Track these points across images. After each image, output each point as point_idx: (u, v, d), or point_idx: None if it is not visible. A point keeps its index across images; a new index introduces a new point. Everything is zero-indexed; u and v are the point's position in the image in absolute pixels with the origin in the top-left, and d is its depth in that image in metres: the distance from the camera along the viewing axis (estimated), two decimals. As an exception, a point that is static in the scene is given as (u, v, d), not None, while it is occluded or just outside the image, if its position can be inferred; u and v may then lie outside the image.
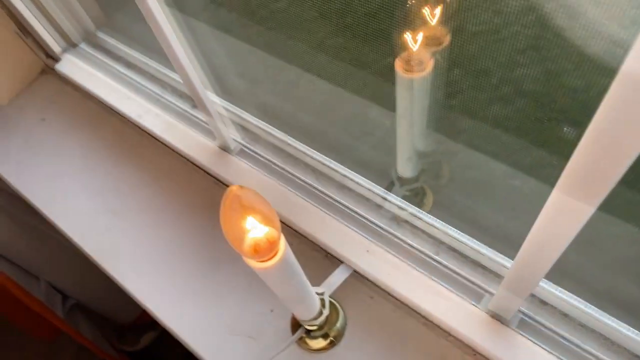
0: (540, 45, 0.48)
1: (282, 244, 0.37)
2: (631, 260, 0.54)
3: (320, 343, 0.55)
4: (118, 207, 0.71)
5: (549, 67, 0.49)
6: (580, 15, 0.39)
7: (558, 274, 0.52)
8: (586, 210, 0.32)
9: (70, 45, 0.85)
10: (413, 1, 0.42)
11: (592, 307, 0.49)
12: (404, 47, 0.44)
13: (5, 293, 0.92)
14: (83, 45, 0.85)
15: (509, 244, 0.54)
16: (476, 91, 0.53)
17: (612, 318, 0.48)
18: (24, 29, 0.81)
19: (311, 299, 0.48)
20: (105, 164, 0.76)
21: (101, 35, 0.86)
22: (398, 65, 0.45)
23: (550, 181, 0.32)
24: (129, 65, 0.81)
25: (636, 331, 0.47)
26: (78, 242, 0.70)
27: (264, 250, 0.36)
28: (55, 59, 0.85)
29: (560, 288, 0.51)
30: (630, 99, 0.24)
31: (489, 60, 0.49)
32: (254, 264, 0.37)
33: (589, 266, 0.54)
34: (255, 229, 0.36)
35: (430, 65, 0.45)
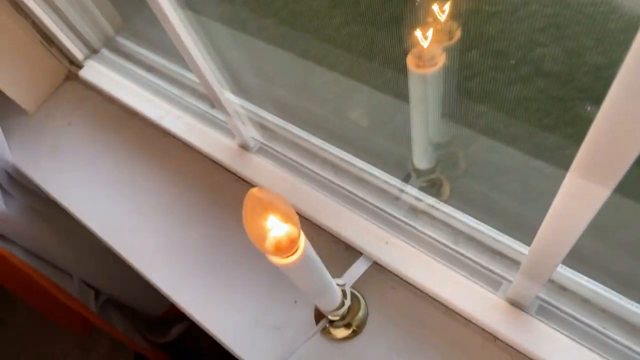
0: (560, 22, 0.48)
1: (302, 240, 0.39)
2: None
3: (343, 332, 0.56)
4: (144, 207, 0.74)
5: (569, 45, 0.49)
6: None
7: (577, 260, 0.52)
8: (602, 193, 0.31)
9: (92, 51, 0.88)
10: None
11: (613, 292, 0.50)
12: (415, 43, 0.44)
13: (42, 290, 0.97)
14: (104, 51, 0.88)
15: (527, 231, 0.55)
16: (494, 73, 0.52)
17: (633, 302, 0.49)
18: (48, 39, 0.84)
19: (332, 291, 0.49)
20: (131, 165, 0.79)
21: (120, 39, 0.88)
22: (410, 61, 0.45)
23: (570, 164, 0.32)
24: (149, 68, 0.83)
25: (656, 315, 0.47)
26: (109, 241, 0.73)
27: (285, 247, 0.38)
28: (79, 65, 0.88)
29: (579, 274, 0.51)
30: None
31: (506, 42, 0.49)
32: (276, 260, 0.39)
33: (608, 251, 0.55)
34: (276, 228, 0.37)
35: (442, 59, 0.45)
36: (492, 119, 0.60)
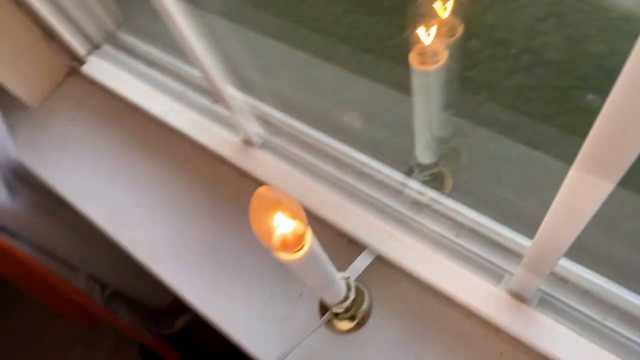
0: (560, 11, 0.47)
1: (309, 237, 0.40)
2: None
3: (347, 325, 0.57)
4: (150, 202, 0.75)
5: (571, 33, 0.49)
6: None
7: (577, 251, 0.53)
8: (605, 187, 0.32)
9: (94, 47, 0.88)
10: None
11: (612, 283, 0.51)
12: (417, 40, 0.45)
13: (47, 285, 0.98)
14: (106, 47, 0.88)
15: (529, 224, 0.55)
16: (495, 62, 0.52)
17: (633, 293, 0.50)
18: (49, 35, 0.85)
19: (337, 284, 0.50)
20: (135, 161, 0.79)
21: (122, 35, 0.88)
22: (412, 58, 0.46)
23: (571, 155, 0.32)
24: (152, 63, 0.84)
25: (656, 306, 0.48)
26: (114, 235, 0.74)
27: (292, 243, 0.39)
28: (81, 61, 0.88)
29: (580, 266, 0.52)
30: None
31: (507, 32, 0.49)
32: (282, 256, 0.39)
33: (608, 242, 0.55)
34: (283, 225, 0.38)
35: (444, 56, 0.46)
36: (493, 110, 0.60)
